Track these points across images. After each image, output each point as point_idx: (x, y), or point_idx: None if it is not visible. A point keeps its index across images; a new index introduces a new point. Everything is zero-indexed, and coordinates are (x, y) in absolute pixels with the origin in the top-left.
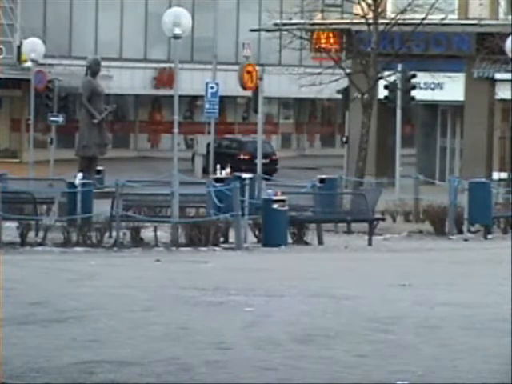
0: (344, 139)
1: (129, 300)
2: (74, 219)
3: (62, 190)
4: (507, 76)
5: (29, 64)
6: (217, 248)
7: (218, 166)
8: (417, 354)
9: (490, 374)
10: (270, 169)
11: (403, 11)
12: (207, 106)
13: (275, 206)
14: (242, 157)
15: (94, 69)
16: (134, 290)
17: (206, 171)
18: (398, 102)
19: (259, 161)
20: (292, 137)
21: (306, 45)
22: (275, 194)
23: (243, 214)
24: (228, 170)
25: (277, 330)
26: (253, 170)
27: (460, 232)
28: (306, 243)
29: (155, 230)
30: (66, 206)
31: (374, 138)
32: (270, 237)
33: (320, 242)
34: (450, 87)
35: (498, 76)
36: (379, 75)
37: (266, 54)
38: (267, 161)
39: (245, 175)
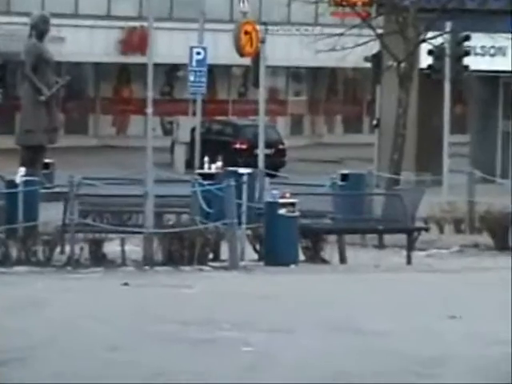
0: (374, 122)
1: (88, 336)
2: (14, 229)
3: None
4: None
5: None
6: (204, 267)
7: (206, 159)
8: None
9: None
10: (276, 162)
11: None
12: (192, 78)
13: (282, 211)
14: (238, 146)
15: (40, 29)
16: (95, 323)
17: (190, 165)
18: (447, 73)
19: (261, 151)
20: (305, 119)
21: None
22: (282, 196)
23: (240, 223)
24: (219, 163)
25: (284, 376)
26: (252, 164)
27: None
28: (324, 261)
29: (122, 244)
30: (3, 211)
31: (415, 120)
32: (275, 252)
33: (342, 260)
34: None
35: None
36: (421, 37)
37: (269, 8)
38: (272, 151)
39: (242, 170)
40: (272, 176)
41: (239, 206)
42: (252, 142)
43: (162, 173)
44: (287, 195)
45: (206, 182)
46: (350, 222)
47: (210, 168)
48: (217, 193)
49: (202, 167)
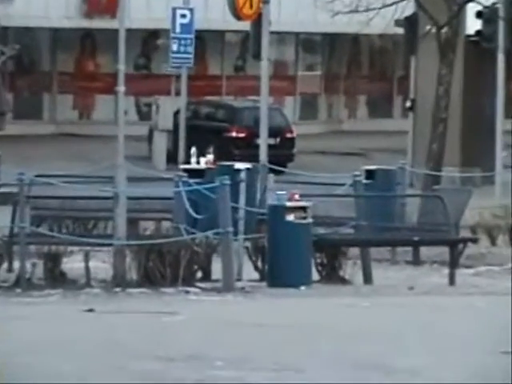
0: (408, 104)
1: (44, 375)
2: None
3: None
4: None
5: None
6: (192, 289)
7: (194, 151)
8: None
9: None
10: (283, 154)
11: None
12: (175, 47)
13: (290, 217)
14: (234, 134)
15: None
16: (53, 359)
17: (172, 159)
18: (500, 41)
19: (263, 141)
20: (319, 100)
21: None
22: (291, 198)
23: (236, 232)
24: (210, 156)
25: None
26: (253, 157)
27: None
28: (344, 281)
29: (86, 259)
30: None
31: (459, 101)
32: (281, 270)
33: (367, 280)
34: None
35: None
36: None
37: None
38: (277, 141)
39: (239, 165)
40: (278, 173)
41: (235, 210)
42: (252, 129)
43: (137, 169)
44: (297, 197)
45: (192, 181)
46: (376, 232)
47: (198, 162)
48: (207, 194)
49: (187, 161)
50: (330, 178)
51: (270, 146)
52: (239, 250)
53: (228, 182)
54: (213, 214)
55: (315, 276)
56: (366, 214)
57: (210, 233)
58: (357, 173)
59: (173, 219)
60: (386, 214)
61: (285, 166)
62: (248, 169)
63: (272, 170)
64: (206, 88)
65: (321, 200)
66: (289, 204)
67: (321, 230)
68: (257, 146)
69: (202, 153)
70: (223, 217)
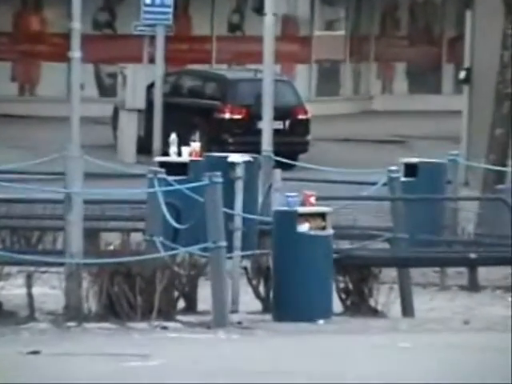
0: (462, 75)
1: None
2: None
3: None
4: None
5: None
6: (171, 324)
7: (173, 137)
8: None
9: None
10: (293, 143)
11: None
12: None
13: (304, 227)
14: (227, 115)
15: None
16: None
17: (145, 148)
18: None
19: (267, 125)
20: (342, 70)
21: None
22: (304, 202)
23: (231, 248)
24: (196, 145)
25: None
26: (253, 146)
27: None
28: (375, 312)
29: (29, 284)
30: None
31: None
32: (291, 299)
33: (407, 311)
34: None
35: None
36: None
37: None
38: (286, 125)
39: (235, 158)
40: (286, 167)
41: (230, 218)
42: (252, 108)
43: (98, 162)
44: (313, 200)
45: (172, 178)
46: (420, 247)
47: (179, 154)
48: (191, 196)
49: (165, 152)
50: (356, 175)
51: (276, 132)
52: (235, 271)
53: (220, 179)
54: (199, 223)
55: (337, 306)
56: (405, 222)
57: (195, 248)
58: (393, 168)
59: (145, 230)
60: (433, 223)
61: (296, 159)
62: (247, 162)
63: (279, 164)
64: (190, 54)
65: (345, 204)
66: (302, 209)
67: (345, 245)
68: (258, 132)
69: (184, 141)
70: (213, 227)
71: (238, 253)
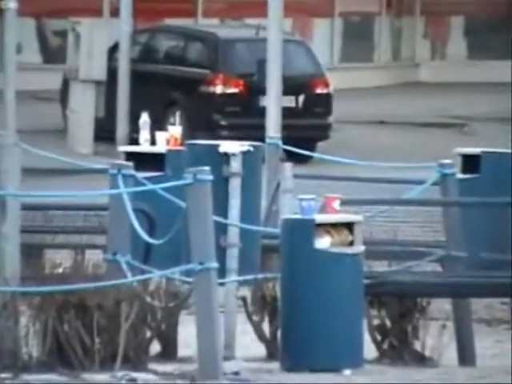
0: None
1: None
2: None
3: None
4: None
5: None
6: (141, 375)
7: (145, 118)
8: None
9: None
10: (310, 126)
11: None
12: None
13: (324, 242)
14: (218, 89)
15: None
16: None
17: (105, 133)
18: None
19: (274, 101)
20: (377, 26)
21: None
22: (325, 207)
23: (222, 270)
24: (176, 129)
25: None
26: (254, 131)
27: None
28: (422, 359)
29: None
30: None
31: None
32: (306, 341)
33: (465, 357)
34: None
35: None
36: None
37: None
38: (300, 101)
39: (229, 147)
40: (300, 159)
41: (222, 229)
42: (252, 79)
43: (42, 152)
44: (336, 205)
45: (143, 175)
46: (482, 269)
47: (152, 141)
48: (169, 199)
49: (133, 139)
50: (396, 171)
51: (285, 112)
52: (229, 302)
53: (209, 177)
54: (180, 237)
55: (370, 351)
56: (463, 236)
57: (175, 271)
58: (446, 161)
59: (106, 246)
60: (500, 236)
61: (313, 149)
62: (246, 153)
63: (290, 156)
64: (168, 4)
65: (380, 211)
66: (321, 218)
67: (381, 267)
68: (262, 112)
69: (160, 124)
70: (200, 241)
71: (233, 277)
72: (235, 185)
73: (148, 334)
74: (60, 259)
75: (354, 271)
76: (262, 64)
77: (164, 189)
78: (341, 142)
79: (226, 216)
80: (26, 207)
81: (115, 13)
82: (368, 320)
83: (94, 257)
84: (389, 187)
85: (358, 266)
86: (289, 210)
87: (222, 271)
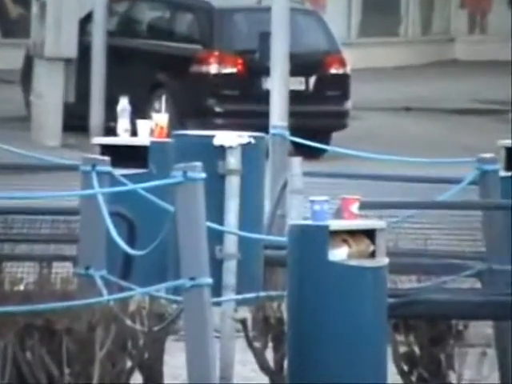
0: None
1: None
2: None
3: None
4: None
5: None
6: None
7: (123, 103)
8: None
9: None
10: (323, 113)
11: None
12: None
13: (339, 253)
14: (212, 68)
15: None
16: None
17: (76, 122)
18: None
19: (279, 83)
20: None
21: None
22: (342, 211)
23: (217, 286)
24: (161, 116)
25: None
26: (255, 119)
27: None
28: None
29: None
30: None
31: None
32: (317, 371)
33: None
34: None
35: None
36: None
37: None
38: (311, 83)
39: (226, 137)
40: (312, 153)
41: (217, 238)
42: (253, 56)
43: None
44: (354, 209)
45: (121, 172)
46: None
47: (133, 132)
48: (153, 202)
49: (110, 129)
50: (426, 167)
51: (294, 96)
52: (226, 326)
53: (201, 174)
54: (167, 247)
55: (395, 380)
56: (507, 246)
57: (160, 288)
58: (487, 155)
59: (78, 258)
60: None
61: (327, 141)
62: (245, 146)
63: (299, 148)
64: None
65: (409, 215)
66: (336, 224)
67: (408, 283)
68: (264, 96)
69: (142, 110)
70: (190, 253)
71: (231, 296)
72: (233, 184)
73: (128, 363)
74: (22, 273)
75: (375, 288)
76: (265, 38)
77: (147, 189)
78: (360, 132)
79: (221, 222)
80: None
81: None
82: (393, 347)
83: (62, 271)
84: (417, 187)
85: (380, 281)
86: (298, 214)
87: (218, 288)
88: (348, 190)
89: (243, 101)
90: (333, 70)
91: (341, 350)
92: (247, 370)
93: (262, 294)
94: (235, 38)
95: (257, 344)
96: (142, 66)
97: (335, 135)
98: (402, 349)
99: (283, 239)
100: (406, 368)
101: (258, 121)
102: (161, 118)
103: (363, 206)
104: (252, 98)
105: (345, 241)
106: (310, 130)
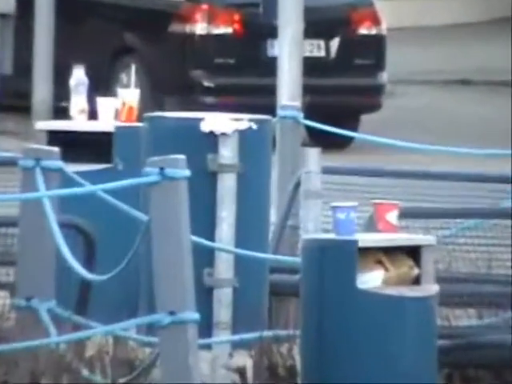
0: None
1: None
2: None
3: None
4: None
5: None
6: None
7: (79, 75)
8: None
9: None
10: (348, 89)
11: None
12: None
13: (372, 279)
14: (199, 27)
15: None
16: None
17: (15, 100)
18: None
19: (289, 49)
20: None
21: None
22: (375, 221)
23: (207, 323)
24: (130, 92)
25: None
26: (258, 96)
27: None
28: None
29: None
30: None
31: None
32: None
33: None
34: None
35: None
36: None
37: None
38: (333, 48)
39: (218, 121)
40: (334, 143)
41: (204, 255)
42: (254, 12)
43: None
44: (392, 218)
45: (75, 169)
46: None
47: (91, 113)
48: (119, 209)
49: (60, 109)
50: (488, 161)
51: (310, 65)
52: (218, 374)
53: (184, 171)
54: (137, 271)
55: None
56: None
57: (129, 325)
58: None
59: (16, 285)
60: None
61: (355, 126)
62: (244, 132)
63: (316, 136)
64: None
65: (465, 227)
66: (368, 239)
67: (465, 319)
68: (270, 65)
69: (104, 84)
70: (169, 278)
71: (224, 336)
72: (227, 184)
73: None
74: None
75: (420, 326)
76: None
77: (111, 191)
78: (399, 114)
79: (212, 235)
80: None
81: None
82: None
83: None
84: (477, 188)
85: (427, 317)
86: (315, 225)
87: (207, 326)
88: (384, 192)
89: (241, 72)
90: (362, 30)
91: (365, 376)
92: None
93: (267, 333)
94: None
95: None
96: (103, 25)
97: (365, 118)
98: None
99: (295, 259)
100: None
101: (262, 99)
102: (129, 94)
103: (404, 214)
104: (253, 68)
105: (379, 262)
106: (332, 112)
